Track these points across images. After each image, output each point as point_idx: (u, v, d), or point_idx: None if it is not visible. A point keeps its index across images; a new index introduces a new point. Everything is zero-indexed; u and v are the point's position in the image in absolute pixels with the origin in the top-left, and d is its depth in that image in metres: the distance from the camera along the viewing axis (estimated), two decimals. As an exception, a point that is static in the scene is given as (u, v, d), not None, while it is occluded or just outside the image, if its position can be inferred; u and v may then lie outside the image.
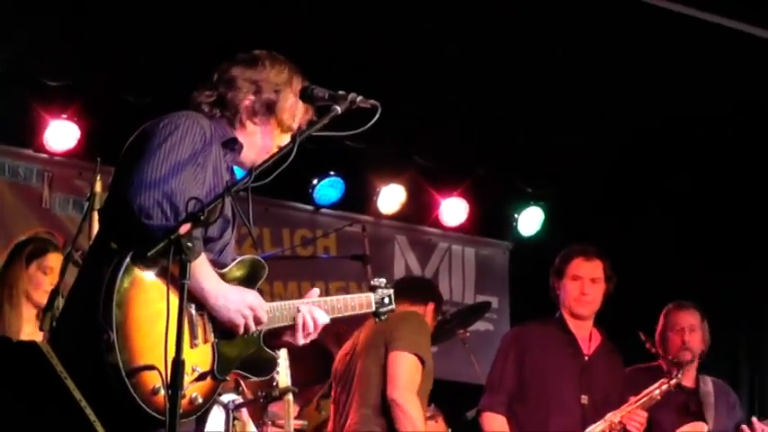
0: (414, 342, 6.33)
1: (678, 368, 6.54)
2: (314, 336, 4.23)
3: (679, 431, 6.78)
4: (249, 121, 4.16)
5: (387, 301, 4.60)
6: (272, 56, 4.23)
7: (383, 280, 4.66)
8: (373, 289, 4.59)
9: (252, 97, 4.15)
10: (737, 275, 9.19)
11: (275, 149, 4.12)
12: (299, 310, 4.15)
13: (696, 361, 7.04)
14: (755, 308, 9.36)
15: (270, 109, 4.16)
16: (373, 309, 4.56)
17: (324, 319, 4.21)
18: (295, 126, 4.18)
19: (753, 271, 9.25)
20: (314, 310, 4.18)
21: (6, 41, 7.35)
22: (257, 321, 3.96)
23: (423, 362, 6.32)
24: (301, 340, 4.20)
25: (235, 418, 5.92)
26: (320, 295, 4.31)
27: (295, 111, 4.17)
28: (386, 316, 4.63)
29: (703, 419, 6.84)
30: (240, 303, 3.92)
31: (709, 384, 7.04)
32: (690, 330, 6.98)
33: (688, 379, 6.97)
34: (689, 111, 8.24)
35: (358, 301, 4.50)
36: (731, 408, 7.15)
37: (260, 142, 4.17)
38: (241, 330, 3.93)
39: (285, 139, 4.16)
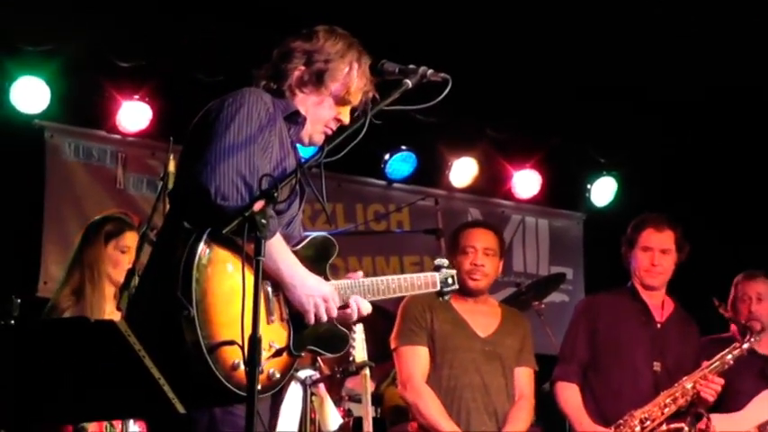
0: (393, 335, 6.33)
1: (750, 333, 6.46)
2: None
3: (758, 398, 6.73)
4: (299, 90, 4.13)
5: (450, 281, 4.58)
6: (330, 29, 4.20)
7: (445, 261, 4.64)
8: (437, 269, 4.58)
9: (302, 67, 4.13)
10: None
11: (332, 123, 4.14)
12: (347, 305, 4.11)
13: (772, 330, 6.97)
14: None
15: (320, 79, 4.12)
16: (438, 288, 4.55)
17: (367, 308, 4.18)
18: (352, 100, 4.15)
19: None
20: (360, 302, 4.15)
21: (79, 25, 7.42)
22: (328, 313, 3.96)
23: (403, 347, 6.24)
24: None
25: (312, 394, 5.95)
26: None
27: (350, 83, 4.13)
28: (449, 296, 4.61)
29: None
30: (315, 290, 3.93)
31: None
32: (757, 300, 6.94)
33: (765, 347, 6.90)
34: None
35: (423, 281, 4.50)
36: None
37: (312, 112, 4.14)
38: (311, 318, 3.93)
39: (344, 112, 4.15)
